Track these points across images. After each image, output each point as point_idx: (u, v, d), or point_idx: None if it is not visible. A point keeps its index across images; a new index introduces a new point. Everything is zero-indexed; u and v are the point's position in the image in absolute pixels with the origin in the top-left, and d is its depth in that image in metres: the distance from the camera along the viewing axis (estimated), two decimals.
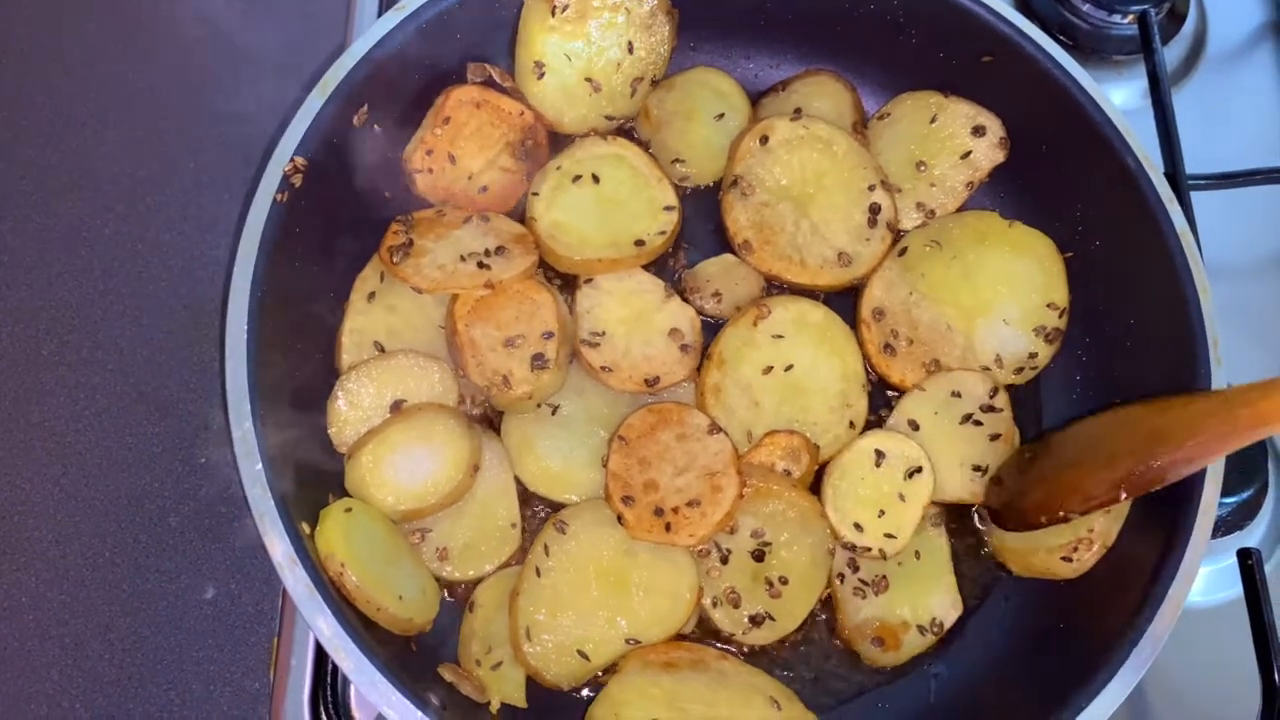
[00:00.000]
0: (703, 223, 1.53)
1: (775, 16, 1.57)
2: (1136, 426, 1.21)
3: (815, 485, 1.38)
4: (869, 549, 1.34)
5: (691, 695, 1.24)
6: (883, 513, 1.35)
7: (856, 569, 1.36)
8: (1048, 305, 1.43)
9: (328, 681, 1.28)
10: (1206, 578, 1.45)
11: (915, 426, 1.40)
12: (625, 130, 1.56)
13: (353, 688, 1.30)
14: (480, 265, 1.35)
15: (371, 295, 1.40)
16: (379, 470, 1.28)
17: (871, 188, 1.47)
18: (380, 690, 1.09)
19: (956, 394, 1.41)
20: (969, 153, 1.50)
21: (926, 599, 1.35)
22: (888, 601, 1.34)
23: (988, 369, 1.43)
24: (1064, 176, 1.46)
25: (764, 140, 1.48)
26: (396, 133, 1.43)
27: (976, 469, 1.39)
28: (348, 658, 1.10)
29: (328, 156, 1.33)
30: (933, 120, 1.52)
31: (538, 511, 1.38)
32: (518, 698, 1.27)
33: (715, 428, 1.34)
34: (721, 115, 1.55)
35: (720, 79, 1.57)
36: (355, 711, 1.30)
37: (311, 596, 1.12)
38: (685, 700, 1.23)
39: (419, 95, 1.44)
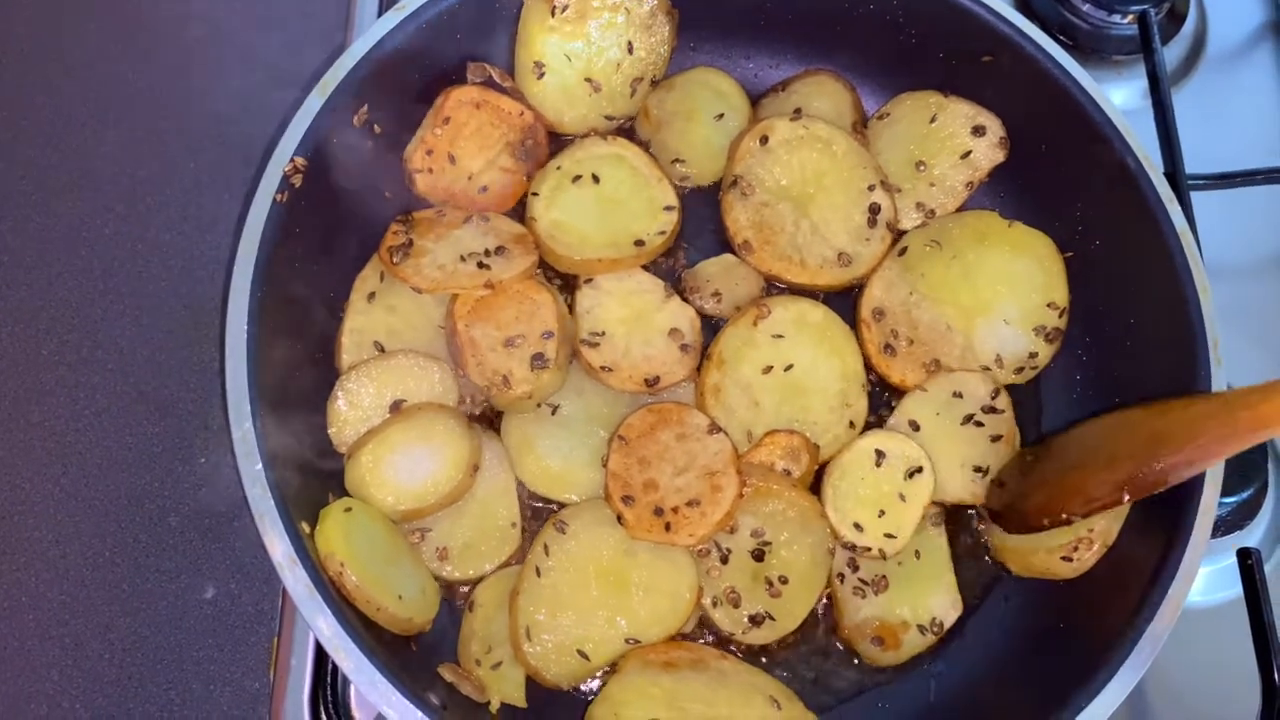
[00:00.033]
0: (703, 223, 1.53)
1: (775, 16, 1.57)
2: (1137, 429, 1.21)
3: (815, 485, 1.38)
4: (869, 549, 1.34)
5: (691, 695, 1.24)
6: (883, 513, 1.35)
7: (856, 569, 1.36)
8: (1048, 305, 1.43)
9: (328, 681, 1.28)
10: (1206, 578, 1.45)
11: (916, 427, 1.40)
12: (625, 130, 1.56)
13: (353, 688, 1.30)
14: (480, 265, 1.36)
15: (371, 295, 1.40)
16: (379, 470, 1.28)
17: (871, 188, 1.47)
18: (380, 690, 1.09)
19: (958, 395, 1.41)
20: (969, 153, 1.50)
21: (926, 599, 1.35)
22: (887, 601, 1.34)
23: (987, 369, 1.43)
24: (1064, 176, 1.46)
25: (764, 140, 1.48)
26: (396, 133, 1.43)
27: (977, 470, 1.39)
28: (348, 658, 1.10)
29: (328, 156, 1.33)
30: (933, 120, 1.52)
31: (538, 511, 1.39)
32: (518, 697, 1.27)
33: (715, 427, 1.34)
34: (721, 115, 1.55)
35: (720, 79, 1.57)
36: (355, 711, 1.30)
37: (311, 596, 1.12)
38: (685, 700, 1.23)
39: (419, 95, 1.44)
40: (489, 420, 1.41)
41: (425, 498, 1.29)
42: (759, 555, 1.33)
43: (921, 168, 1.52)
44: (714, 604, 1.32)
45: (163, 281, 1.67)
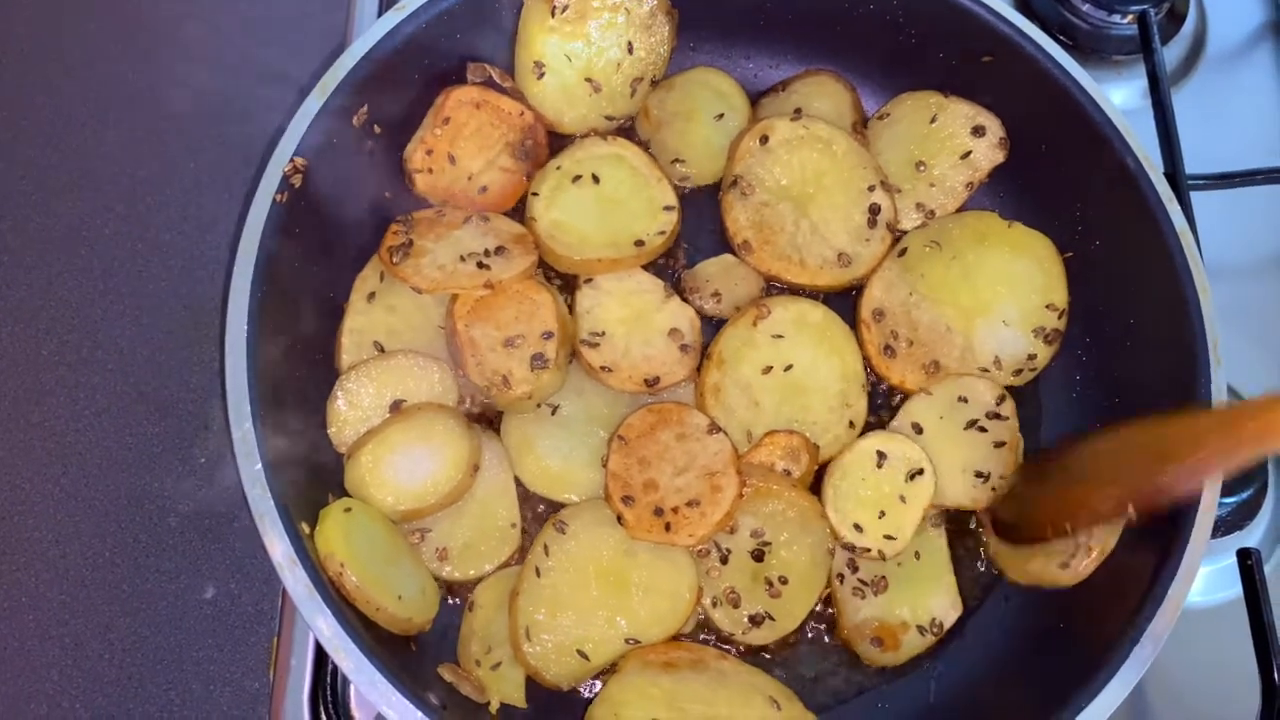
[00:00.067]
0: (703, 223, 1.53)
1: (775, 16, 1.57)
2: (1140, 443, 1.21)
3: (815, 485, 1.38)
4: (869, 550, 1.34)
5: (691, 695, 1.24)
6: (883, 514, 1.35)
7: (856, 569, 1.36)
8: (1047, 306, 1.43)
9: (328, 681, 1.28)
10: (1206, 578, 1.45)
11: (919, 429, 1.40)
12: (625, 130, 1.56)
13: (352, 688, 1.30)
14: (480, 265, 1.35)
15: (371, 295, 1.40)
16: (378, 470, 1.28)
17: (871, 188, 1.47)
18: (380, 690, 1.09)
19: (963, 399, 1.41)
20: (969, 153, 1.50)
21: (926, 599, 1.35)
22: (887, 602, 1.34)
23: (986, 370, 1.43)
24: (1064, 176, 1.46)
25: (764, 140, 1.48)
26: (396, 133, 1.43)
27: (979, 475, 1.39)
28: (347, 658, 1.10)
29: (328, 156, 1.32)
30: (932, 120, 1.52)
31: (538, 511, 1.38)
32: (517, 698, 1.27)
33: (715, 427, 1.34)
34: (721, 115, 1.55)
35: (720, 79, 1.57)
36: (355, 711, 1.30)
37: (311, 596, 1.12)
38: (685, 700, 1.23)
39: (419, 95, 1.44)
40: (489, 420, 1.41)
41: (425, 498, 1.29)
42: (759, 555, 1.33)
43: (921, 168, 1.52)
44: (714, 604, 1.32)
45: (163, 281, 1.68)
